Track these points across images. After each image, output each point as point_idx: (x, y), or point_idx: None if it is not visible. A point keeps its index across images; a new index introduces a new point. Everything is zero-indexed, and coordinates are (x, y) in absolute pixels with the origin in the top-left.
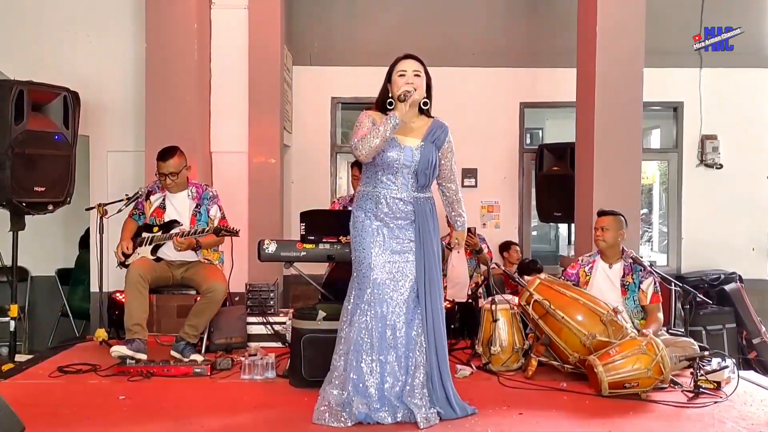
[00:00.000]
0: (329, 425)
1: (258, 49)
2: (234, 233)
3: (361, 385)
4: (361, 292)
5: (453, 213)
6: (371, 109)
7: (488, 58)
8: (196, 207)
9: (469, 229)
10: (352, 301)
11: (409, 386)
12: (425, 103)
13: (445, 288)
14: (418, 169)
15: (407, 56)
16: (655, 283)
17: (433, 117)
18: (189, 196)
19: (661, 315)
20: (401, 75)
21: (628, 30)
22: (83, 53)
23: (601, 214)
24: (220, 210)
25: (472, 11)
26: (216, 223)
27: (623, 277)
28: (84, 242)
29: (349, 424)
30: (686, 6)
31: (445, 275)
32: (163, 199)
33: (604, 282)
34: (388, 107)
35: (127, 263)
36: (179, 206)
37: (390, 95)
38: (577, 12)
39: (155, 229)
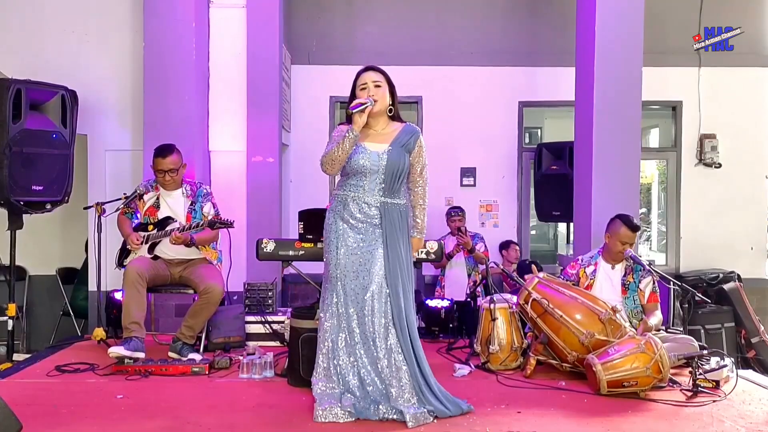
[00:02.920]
0: (327, 420)
1: (256, 48)
2: (228, 225)
3: (345, 382)
4: (330, 291)
5: (413, 218)
6: (344, 123)
7: (487, 57)
8: (191, 204)
9: (459, 228)
10: (326, 300)
11: (395, 387)
12: (390, 110)
13: (443, 287)
14: (386, 173)
15: (367, 68)
16: (653, 283)
17: (405, 122)
18: (183, 194)
19: (659, 312)
20: (362, 89)
21: (626, 29)
22: (81, 52)
23: (635, 229)
24: (214, 207)
25: (471, 10)
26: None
27: (624, 276)
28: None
29: (342, 420)
30: (685, 5)
31: (443, 275)
32: (157, 198)
33: (605, 282)
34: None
35: (124, 263)
36: (174, 204)
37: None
38: (576, 11)
39: (150, 227)
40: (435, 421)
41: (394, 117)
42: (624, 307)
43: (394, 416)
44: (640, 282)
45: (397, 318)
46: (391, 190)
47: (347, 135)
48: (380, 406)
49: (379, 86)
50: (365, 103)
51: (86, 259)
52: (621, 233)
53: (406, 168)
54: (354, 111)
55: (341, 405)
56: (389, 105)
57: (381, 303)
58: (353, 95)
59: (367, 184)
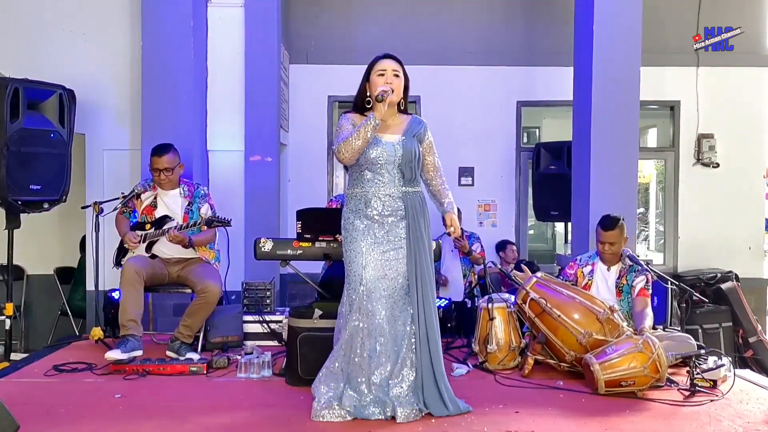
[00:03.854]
0: (325, 420)
1: (254, 47)
2: (226, 223)
3: (352, 380)
4: (353, 291)
5: (441, 200)
6: (350, 112)
7: (485, 57)
8: (188, 205)
9: None
10: (346, 302)
11: (397, 383)
12: (401, 103)
13: (438, 288)
14: (402, 162)
15: (387, 56)
16: (647, 281)
17: (410, 114)
18: (181, 194)
19: (649, 310)
20: (380, 74)
21: (625, 29)
22: (79, 51)
23: (607, 228)
24: (212, 208)
25: (469, 10)
26: None
27: (618, 278)
28: (84, 243)
29: (341, 419)
30: (683, 5)
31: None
32: (155, 198)
33: (601, 283)
34: (366, 106)
35: (122, 262)
36: (171, 204)
37: (368, 95)
38: (574, 10)
39: (147, 226)
40: (433, 421)
41: (402, 110)
42: (619, 309)
43: (393, 414)
44: (633, 281)
45: (421, 314)
46: (410, 178)
47: (368, 123)
48: (386, 407)
49: (397, 76)
50: (387, 92)
51: (81, 258)
52: (599, 233)
53: (420, 155)
54: (382, 98)
55: (341, 404)
56: (401, 98)
57: (405, 301)
58: (367, 80)
59: (387, 176)
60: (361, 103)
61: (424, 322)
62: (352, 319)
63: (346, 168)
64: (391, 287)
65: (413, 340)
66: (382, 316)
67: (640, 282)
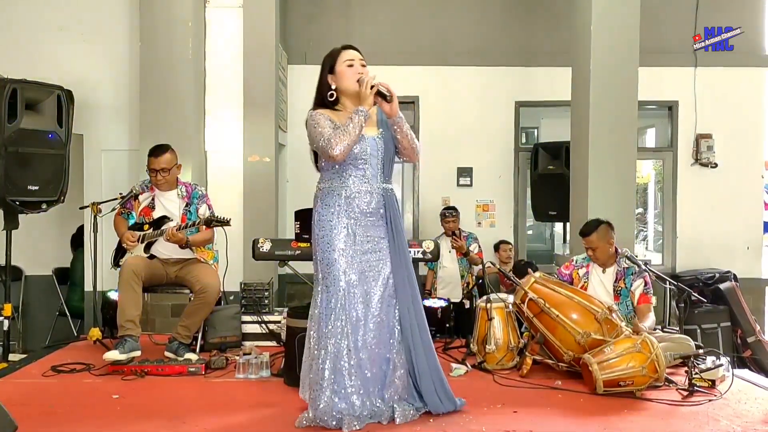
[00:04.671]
0: (318, 426)
1: (253, 47)
2: (225, 223)
3: (342, 390)
4: (331, 295)
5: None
6: (316, 109)
7: (483, 57)
8: (186, 206)
9: (454, 232)
10: (320, 305)
11: (389, 384)
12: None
13: (436, 289)
14: (384, 157)
15: (348, 46)
16: (645, 284)
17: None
18: (179, 195)
19: (652, 315)
20: (349, 65)
21: (622, 29)
22: (77, 52)
23: (583, 234)
24: (210, 209)
25: (467, 10)
26: None
27: (615, 282)
28: (75, 242)
29: (333, 425)
30: (681, 5)
31: (436, 277)
32: (152, 199)
33: (599, 287)
34: (329, 99)
35: (120, 263)
36: (169, 205)
37: (333, 87)
38: (572, 11)
39: (146, 227)
40: (431, 420)
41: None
42: (618, 310)
43: (390, 416)
44: (631, 285)
45: (410, 313)
46: (389, 173)
47: (359, 115)
48: (382, 416)
49: (364, 65)
50: (382, 83)
51: (73, 259)
52: (581, 240)
53: (395, 147)
54: (390, 94)
55: (331, 415)
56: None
57: (389, 301)
58: (330, 71)
59: (369, 172)
60: (324, 99)
61: (415, 321)
62: (334, 325)
63: (315, 164)
64: (374, 289)
65: (400, 341)
66: (368, 321)
67: (638, 287)
